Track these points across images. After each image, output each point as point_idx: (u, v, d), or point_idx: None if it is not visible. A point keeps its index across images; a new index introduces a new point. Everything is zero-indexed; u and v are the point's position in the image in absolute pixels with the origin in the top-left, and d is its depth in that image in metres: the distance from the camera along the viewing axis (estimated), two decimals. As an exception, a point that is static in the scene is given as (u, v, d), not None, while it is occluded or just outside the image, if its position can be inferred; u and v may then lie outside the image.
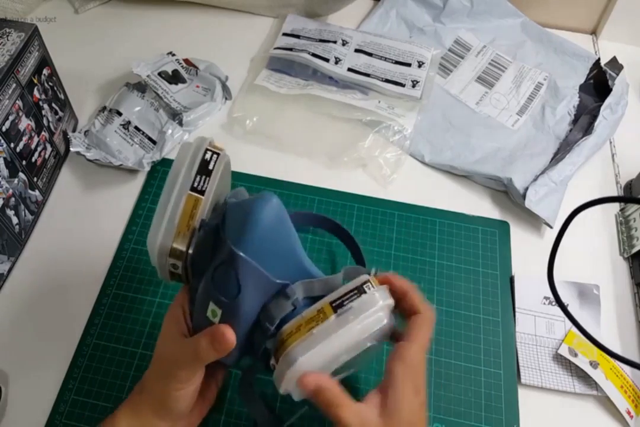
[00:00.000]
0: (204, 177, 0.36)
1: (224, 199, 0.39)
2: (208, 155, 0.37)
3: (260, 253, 0.34)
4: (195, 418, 0.42)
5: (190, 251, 0.35)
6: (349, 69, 0.68)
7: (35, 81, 0.51)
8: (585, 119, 0.65)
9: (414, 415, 0.35)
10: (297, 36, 0.71)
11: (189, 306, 0.39)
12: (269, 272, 0.34)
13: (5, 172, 0.47)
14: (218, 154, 0.37)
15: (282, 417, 0.42)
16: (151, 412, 0.38)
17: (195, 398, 0.38)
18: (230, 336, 0.34)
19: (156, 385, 0.38)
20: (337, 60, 0.68)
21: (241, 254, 0.33)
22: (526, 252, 0.57)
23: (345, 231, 0.53)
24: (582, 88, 0.69)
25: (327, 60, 0.68)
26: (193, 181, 0.35)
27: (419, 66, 0.68)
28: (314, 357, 0.33)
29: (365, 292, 0.35)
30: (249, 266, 0.33)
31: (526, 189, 0.58)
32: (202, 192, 0.35)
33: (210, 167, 0.36)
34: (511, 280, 0.55)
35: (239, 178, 0.59)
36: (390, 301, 0.36)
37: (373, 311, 0.34)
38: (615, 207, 0.61)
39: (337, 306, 0.34)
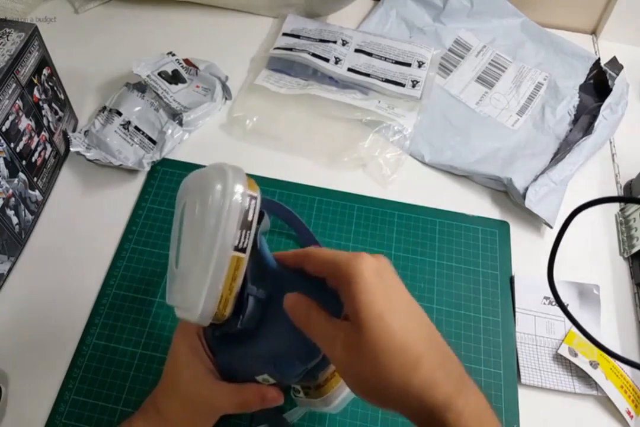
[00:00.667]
0: (244, 231, 0.31)
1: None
2: (246, 203, 0.31)
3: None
4: None
5: (240, 320, 0.32)
6: (349, 69, 0.68)
7: (35, 81, 0.51)
8: (585, 119, 0.65)
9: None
10: (297, 36, 0.71)
11: (206, 334, 0.38)
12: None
13: (5, 172, 0.47)
14: (256, 199, 0.32)
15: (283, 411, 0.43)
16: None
17: None
18: (281, 400, 0.37)
19: (182, 419, 0.38)
20: (337, 60, 0.68)
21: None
22: (526, 252, 0.57)
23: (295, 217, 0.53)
24: (582, 88, 0.69)
25: (327, 60, 0.68)
26: (236, 239, 0.30)
27: (419, 66, 0.68)
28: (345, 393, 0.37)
29: None
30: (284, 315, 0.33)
31: (526, 189, 0.58)
32: (243, 250, 0.31)
33: (250, 217, 0.31)
34: (511, 280, 0.55)
35: (239, 178, 0.59)
36: None
37: None
38: (615, 207, 0.61)
39: None
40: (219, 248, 0.30)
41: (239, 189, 0.31)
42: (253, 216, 0.31)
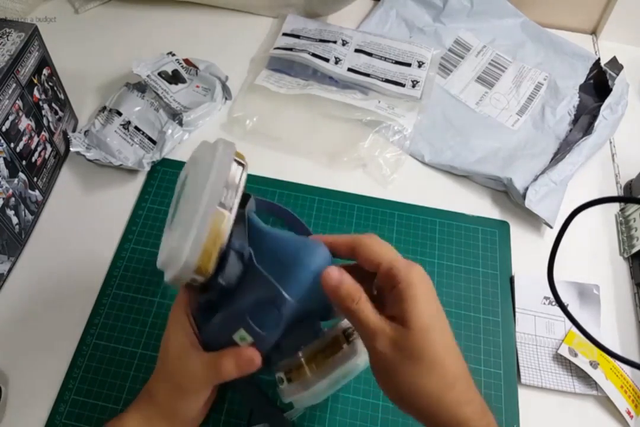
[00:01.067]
0: (230, 191, 0.33)
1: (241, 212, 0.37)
2: (234, 167, 0.34)
3: (305, 299, 0.35)
4: (198, 419, 0.42)
5: (221, 274, 0.34)
6: (349, 69, 0.68)
7: (35, 81, 0.51)
8: (585, 119, 0.65)
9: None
10: (297, 36, 0.71)
11: (194, 312, 0.39)
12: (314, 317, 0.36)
13: (5, 172, 0.47)
14: (243, 166, 0.35)
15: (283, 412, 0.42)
16: (163, 422, 0.38)
17: (207, 407, 0.39)
18: (258, 361, 0.36)
19: (169, 397, 0.38)
20: (337, 60, 0.68)
21: (291, 300, 0.34)
22: (526, 252, 0.57)
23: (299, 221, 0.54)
24: (582, 88, 0.69)
25: (327, 60, 0.68)
26: (221, 196, 0.33)
27: (419, 66, 0.68)
28: (325, 383, 0.36)
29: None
30: (295, 311, 0.34)
31: (526, 189, 0.58)
32: (229, 209, 0.33)
33: (237, 180, 0.34)
34: (511, 280, 0.55)
35: (239, 178, 0.59)
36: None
37: None
38: (615, 207, 0.61)
39: (348, 335, 0.37)
40: (205, 203, 0.32)
41: (226, 153, 0.34)
42: (240, 179, 0.34)
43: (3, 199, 0.47)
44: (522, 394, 0.49)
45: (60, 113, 0.57)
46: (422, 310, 0.32)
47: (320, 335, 0.37)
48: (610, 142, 0.66)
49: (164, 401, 0.38)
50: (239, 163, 0.35)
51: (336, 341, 0.37)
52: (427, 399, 0.31)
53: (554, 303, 0.53)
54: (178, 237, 0.33)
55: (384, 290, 0.34)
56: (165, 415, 0.38)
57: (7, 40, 0.48)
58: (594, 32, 0.78)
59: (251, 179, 0.59)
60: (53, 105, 0.55)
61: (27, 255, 0.53)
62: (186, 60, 0.66)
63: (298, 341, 0.37)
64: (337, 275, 0.33)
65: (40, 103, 0.53)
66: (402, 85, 0.66)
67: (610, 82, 0.66)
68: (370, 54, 0.69)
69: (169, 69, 0.64)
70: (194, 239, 0.32)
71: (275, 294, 0.33)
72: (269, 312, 0.34)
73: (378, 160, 0.62)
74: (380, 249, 0.35)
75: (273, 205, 0.56)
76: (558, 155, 0.62)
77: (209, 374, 0.37)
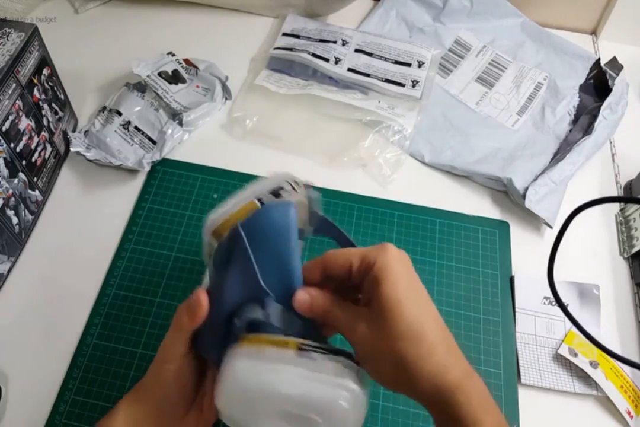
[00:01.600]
0: (272, 196, 0.38)
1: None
2: (288, 187, 0.39)
3: (259, 248, 0.35)
4: (206, 411, 0.40)
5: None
6: (349, 69, 0.68)
7: (35, 81, 0.51)
8: (585, 119, 0.65)
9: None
10: (297, 36, 0.71)
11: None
12: (260, 269, 0.34)
13: (5, 172, 0.47)
14: (294, 185, 0.40)
15: None
16: (150, 405, 0.38)
17: (183, 386, 0.37)
18: (203, 299, 0.35)
19: (148, 374, 0.38)
20: (337, 60, 0.68)
21: (242, 233, 0.35)
22: (526, 252, 0.57)
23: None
24: (582, 88, 0.69)
25: (327, 60, 0.68)
26: (260, 196, 0.38)
27: (419, 66, 0.68)
28: (250, 371, 0.32)
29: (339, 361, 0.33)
30: (245, 249, 0.35)
31: (526, 189, 0.58)
32: (262, 204, 0.38)
33: (280, 196, 0.38)
34: (511, 280, 0.55)
35: (238, 178, 0.59)
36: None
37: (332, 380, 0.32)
38: (615, 207, 0.61)
39: (303, 349, 0.33)
40: (248, 193, 0.39)
41: (286, 178, 0.40)
42: (280, 195, 0.38)
43: (3, 199, 0.47)
44: (522, 394, 0.49)
45: (60, 113, 0.57)
46: (395, 285, 0.32)
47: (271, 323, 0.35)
48: (610, 142, 0.66)
49: (146, 379, 0.38)
50: (293, 188, 0.39)
51: (286, 342, 0.33)
52: (409, 371, 0.31)
53: (554, 303, 0.53)
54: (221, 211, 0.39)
55: (362, 282, 0.34)
56: (149, 396, 0.38)
57: (7, 40, 0.48)
58: (594, 32, 0.78)
59: (251, 179, 0.59)
60: (53, 105, 0.55)
61: (27, 255, 0.53)
62: (186, 60, 0.66)
63: (246, 314, 0.35)
64: (305, 298, 0.34)
65: (40, 103, 0.53)
66: (402, 85, 0.66)
67: (610, 82, 0.66)
68: (370, 54, 0.69)
69: (169, 69, 0.64)
70: (225, 210, 0.38)
71: (232, 233, 0.36)
72: (225, 250, 0.37)
73: (378, 160, 0.62)
74: (348, 250, 0.35)
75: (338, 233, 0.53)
76: (558, 155, 0.62)
77: (170, 330, 0.37)
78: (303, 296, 0.35)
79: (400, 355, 0.31)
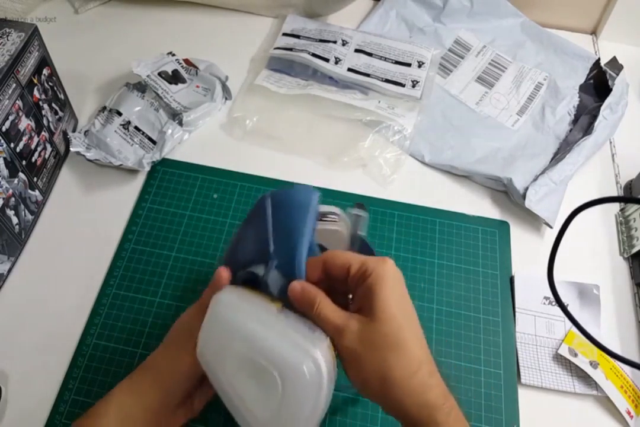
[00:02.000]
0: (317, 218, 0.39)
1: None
2: (334, 215, 0.42)
3: (278, 217, 0.37)
4: (195, 408, 0.40)
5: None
6: (349, 69, 0.68)
7: (35, 81, 0.51)
8: (585, 119, 0.65)
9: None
10: (297, 36, 0.71)
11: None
12: (273, 232, 0.37)
13: (5, 172, 0.47)
14: (337, 216, 0.42)
15: None
16: (150, 387, 0.38)
17: (195, 375, 0.38)
18: (223, 271, 0.38)
19: (157, 355, 0.39)
20: (337, 60, 0.68)
21: (269, 199, 0.38)
22: (526, 252, 0.57)
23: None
24: (582, 88, 0.69)
25: (327, 60, 0.68)
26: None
27: (419, 66, 0.68)
28: (233, 308, 0.36)
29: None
30: (266, 209, 0.38)
31: (526, 189, 0.58)
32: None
33: (323, 224, 0.41)
34: (511, 280, 0.55)
35: (238, 178, 0.59)
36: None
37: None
38: (615, 207, 0.61)
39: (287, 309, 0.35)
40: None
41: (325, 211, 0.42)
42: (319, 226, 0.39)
43: (3, 199, 0.47)
44: (522, 394, 0.49)
45: (60, 113, 0.57)
46: (389, 299, 0.33)
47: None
48: (610, 142, 0.66)
49: (158, 360, 0.39)
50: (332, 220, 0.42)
51: (273, 299, 0.37)
52: (394, 385, 0.32)
53: (554, 303, 0.53)
54: None
55: (356, 287, 0.35)
56: (154, 377, 0.38)
57: (7, 40, 0.48)
58: (594, 32, 0.78)
59: (251, 179, 0.60)
60: (53, 105, 0.55)
61: (27, 255, 0.53)
62: (186, 60, 0.66)
63: (251, 269, 0.37)
64: (298, 286, 0.35)
65: (40, 103, 0.53)
66: (402, 85, 0.66)
67: (610, 82, 0.66)
68: (370, 54, 0.69)
69: (169, 69, 0.64)
70: None
71: (261, 199, 0.39)
72: (252, 212, 0.39)
73: (378, 160, 0.62)
74: (348, 254, 0.36)
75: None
76: (558, 155, 0.62)
77: (193, 308, 0.39)
78: (296, 284, 0.35)
79: (386, 366, 0.32)
